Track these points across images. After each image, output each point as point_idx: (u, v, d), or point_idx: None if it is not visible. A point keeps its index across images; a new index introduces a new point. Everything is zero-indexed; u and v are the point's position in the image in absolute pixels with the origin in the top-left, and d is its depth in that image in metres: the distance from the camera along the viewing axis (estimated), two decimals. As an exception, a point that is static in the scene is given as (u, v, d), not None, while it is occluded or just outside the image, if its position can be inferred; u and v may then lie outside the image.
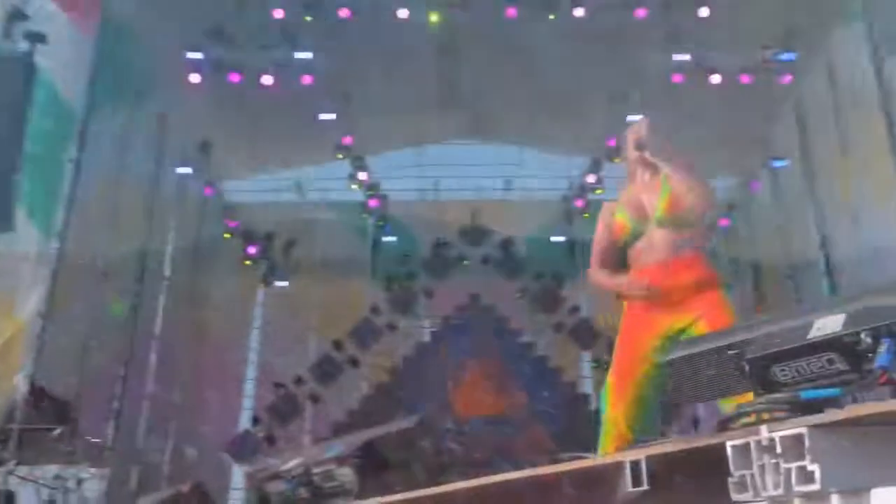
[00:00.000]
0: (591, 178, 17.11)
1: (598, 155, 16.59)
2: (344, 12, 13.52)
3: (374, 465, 3.17)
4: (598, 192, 16.97)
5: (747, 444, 1.47)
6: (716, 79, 14.04)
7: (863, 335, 1.21)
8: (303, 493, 3.63)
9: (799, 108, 15.11)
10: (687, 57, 14.06)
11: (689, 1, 13.38)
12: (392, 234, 18.52)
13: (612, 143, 16.11)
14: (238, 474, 15.70)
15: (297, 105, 16.25)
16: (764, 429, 1.44)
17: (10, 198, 9.92)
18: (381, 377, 17.08)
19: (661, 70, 14.36)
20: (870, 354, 1.23)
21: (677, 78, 14.36)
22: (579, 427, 14.16)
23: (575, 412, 15.77)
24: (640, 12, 13.40)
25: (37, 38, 10.78)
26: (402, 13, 13.73)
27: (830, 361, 1.27)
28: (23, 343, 10.40)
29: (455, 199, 19.67)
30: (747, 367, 1.32)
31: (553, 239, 18.41)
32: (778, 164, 14.95)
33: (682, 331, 3.33)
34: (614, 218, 3.67)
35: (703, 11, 13.27)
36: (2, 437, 9.47)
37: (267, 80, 14.34)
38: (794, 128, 15.29)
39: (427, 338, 18.35)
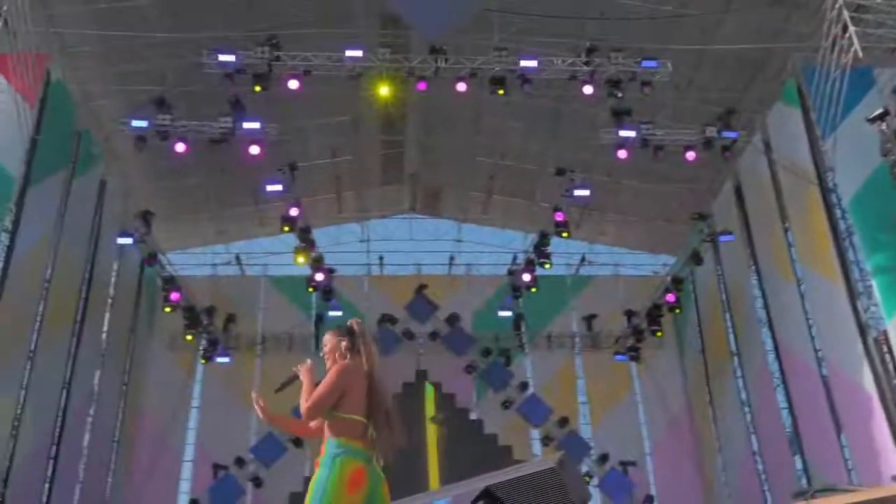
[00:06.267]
0: (537, 253, 17.09)
1: (546, 229, 16.67)
2: (293, 84, 13.42)
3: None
4: (546, 266, 16.99)
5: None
6: (661, 155, 14.34)
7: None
8: None
9: (739, 184, 15.61)
10: (632, 133, 14.35)
11: (634, 80, 13.71)
12: (338, 309, 18.11)
13: (560, 216, 16.26)
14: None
15: (243, 176, 16.04)
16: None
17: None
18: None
19: (606, 145, 14.65)
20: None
21: (622, 154, 14.60)
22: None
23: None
24: (588, 89, 13.69)
25: (-26, 104, 10.38)
26: (352, 84, 13.74)
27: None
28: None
29: (400, 274, 19.57)
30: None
31: (501, 314, 18.32)
32: (724, 238, 15.25)
33: None
34: None
35: (648, 90, 13.64)
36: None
37: (213, 149, 14.08)
38: (735, 204, 15.74)
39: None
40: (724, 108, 14.13)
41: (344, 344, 4.41)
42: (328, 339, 4.48)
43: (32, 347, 12.32)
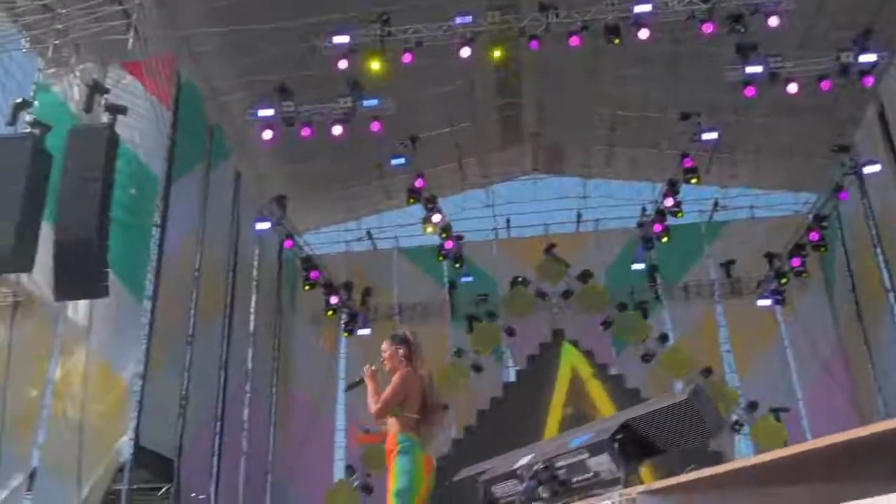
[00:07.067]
0: (668, 202, 16.64)
1: (675, 177, 16.20)
2: (407, 57, 13.53)
3: (638, 448, 2.94)
4: (679, 214, 16.54)
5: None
6: (792, 88, 13.57)
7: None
8: (541, 492, 3.27)
9: (882, 109, 14.59)
10: (759, 69, 13.64)
11: (757, 12, 13.00)
12: (469, 275, 18.35)
13: (689, 163, 15.75)
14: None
15: (367, 152, 16.43)
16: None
17: (104, 264, 10.10)
18: (469, 420, 16.74)
19: (732, 85, 13.99)
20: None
21: (750, 91, 13.90)
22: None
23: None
24: (708, 28, 13.09)
25: (117, 110, 11.07)
26: (465, 52, 13.69)
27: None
28: (126, 404, 10.56)
29: (528, 236, 19.55)
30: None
31: (634, 267, 18.03)
32: (868, 169, 14.33)
33: None
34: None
35: (773, 21, 12.90)
36: (111, 498, 9.56)
37: (337, 130, 14.47)
38: (879, 131, 14.74)
39: (512, 377, 18.02)
40: (858, 30, 13.20)
41: (401, 352, 5.05)
42: (386, 347, 5.15)
43: (191, 332, 13.21)
